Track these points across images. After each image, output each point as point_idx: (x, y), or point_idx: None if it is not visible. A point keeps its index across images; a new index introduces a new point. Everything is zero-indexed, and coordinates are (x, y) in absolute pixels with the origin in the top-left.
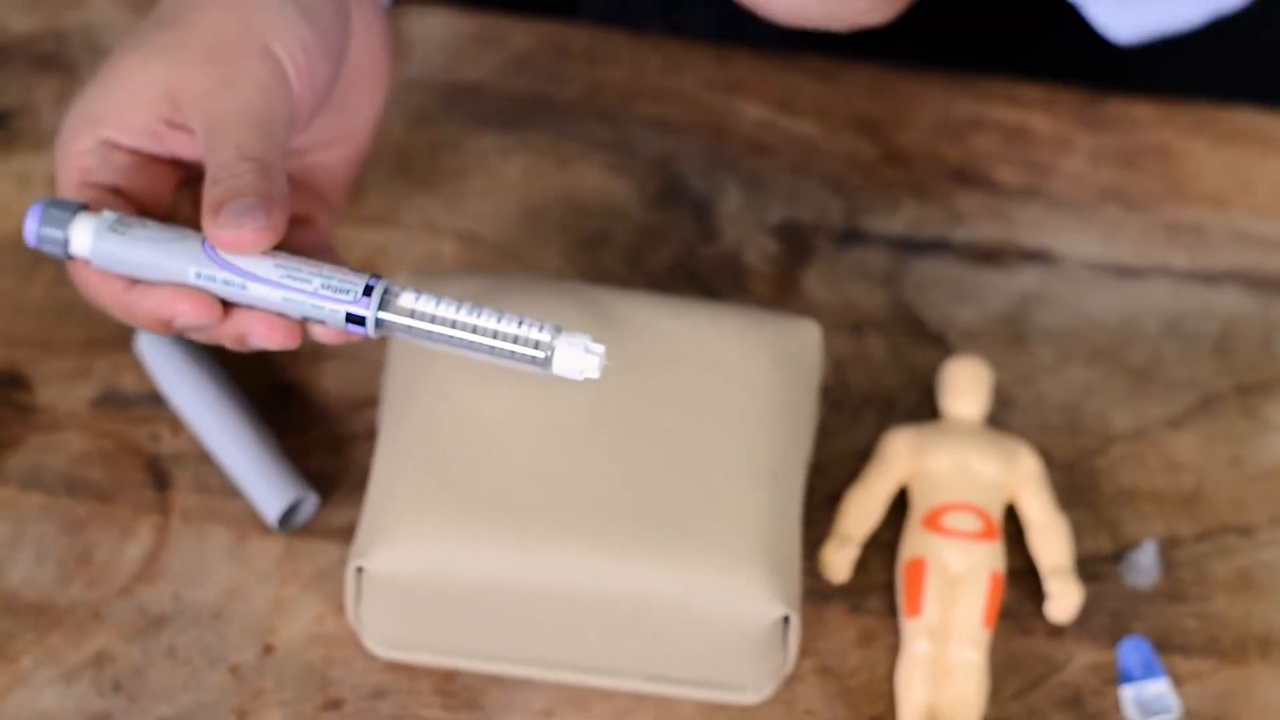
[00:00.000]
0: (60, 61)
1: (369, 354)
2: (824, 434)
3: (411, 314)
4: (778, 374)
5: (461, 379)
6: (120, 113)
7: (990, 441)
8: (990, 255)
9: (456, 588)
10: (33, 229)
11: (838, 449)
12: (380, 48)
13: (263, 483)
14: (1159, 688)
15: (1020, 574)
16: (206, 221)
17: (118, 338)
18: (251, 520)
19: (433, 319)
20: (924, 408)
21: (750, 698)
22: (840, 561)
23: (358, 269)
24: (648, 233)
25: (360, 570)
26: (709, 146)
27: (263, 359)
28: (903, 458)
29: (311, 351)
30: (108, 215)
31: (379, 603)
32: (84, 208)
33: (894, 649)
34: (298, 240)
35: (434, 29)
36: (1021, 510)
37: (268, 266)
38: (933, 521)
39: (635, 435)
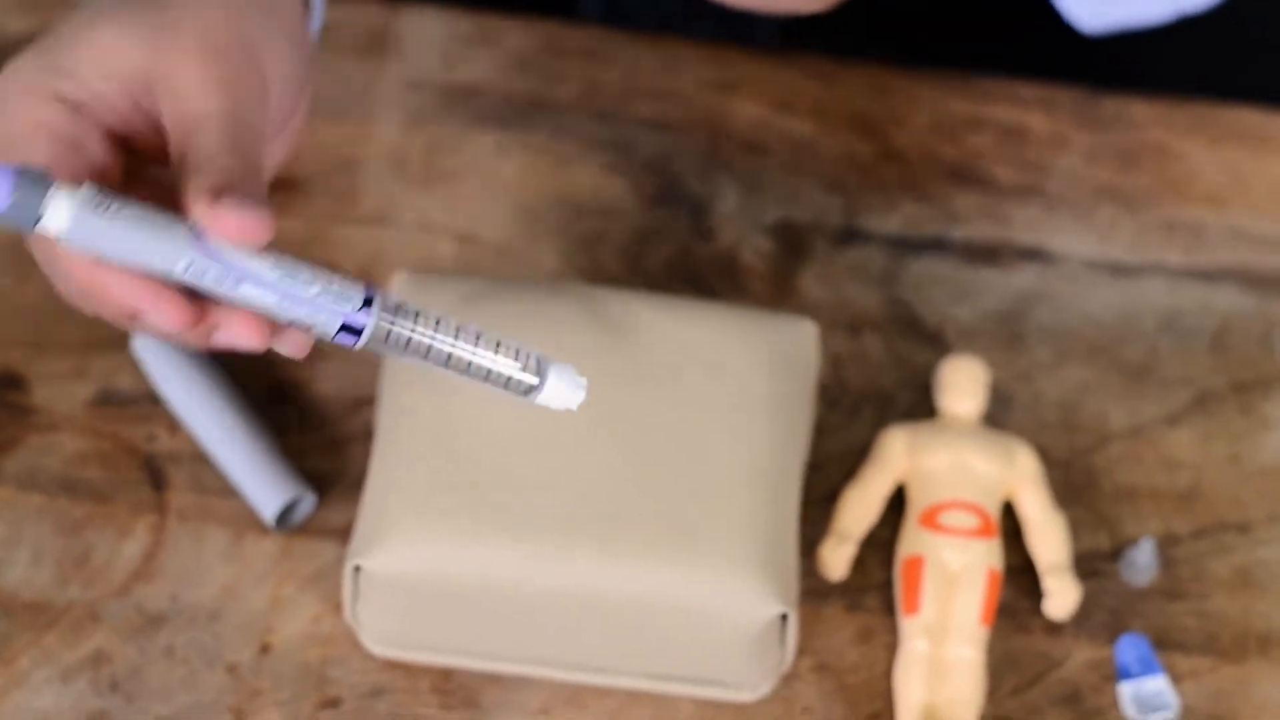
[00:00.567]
0: None
1: (366, 354)
2: (821, 432)
3: (408, 342)
4: (775, 373)
5: (458, 378)
6: (88, 76)
7: (987, 440)
8: (987, 254)
9: (454, 586)
10: (1, 198)
11: (835, 447)
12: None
13: (260, 482)
14: (1157, 685)
15: (1018, 572)
16: (200, 207)
17: (114, 338)
18: (248, 520)
19: (428, 351)
20: (921, 406)
21: (748, 696)
22: (838, 559)
23: (351, 270)
24: (645, 232)
25: (358, 569)
26: (706, 146)
27: (260, 359)
28: (900, 456)
29: (310, 350)
30: (87, 190)
31: (376, 602)
32: (48, 178)
33: (892, 647)
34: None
35: (431, 29)
36: (1019, 508)
37: (266, 265)
38: (930, 519)
39: (632, 434)
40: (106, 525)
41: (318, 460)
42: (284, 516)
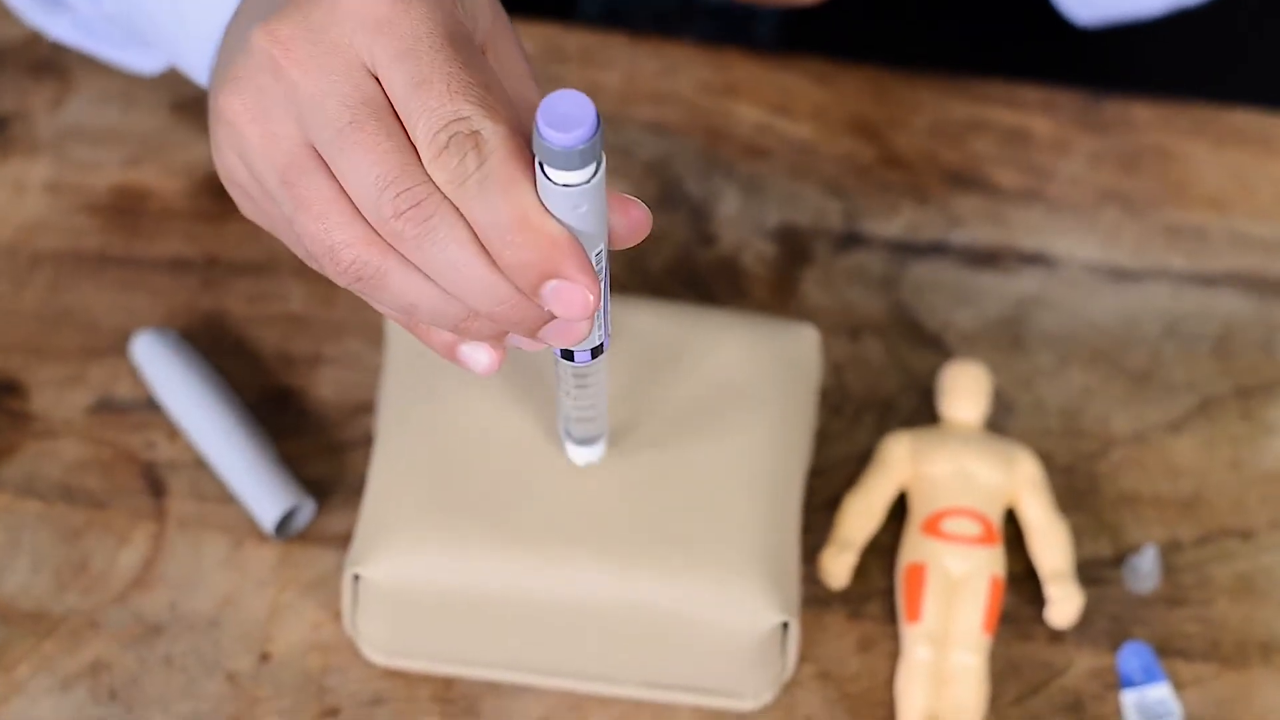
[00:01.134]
0: (54, 67)
1: (365, 360)
2: (823, 438)
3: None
4: (776, 379)
5: (458, 386)
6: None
7: (989, 446)
8: (989, 258)
9: (453, 595)
10: (582, 136)
11: (836, 453)
12: None
13: (259, 489)
14: (1160, 693)
15: (1020, 579)
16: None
17: (113, 345)
18: (248, 527)
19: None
20: (923, 412)
21: (749, 704)
22: (839, 567)
23: None
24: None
25: (357, 578)
26: (706, 150)
27: (257, 365)
28: (902, 462)
29: (308, 357)
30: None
31: (376, 610)
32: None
33: (894, 654)
34: None
35: None
36: (1021, 514)
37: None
38: (932, 526)
39: (633, 441)
40: (105, 533)
41: (317, 467)
42: (283, 524)
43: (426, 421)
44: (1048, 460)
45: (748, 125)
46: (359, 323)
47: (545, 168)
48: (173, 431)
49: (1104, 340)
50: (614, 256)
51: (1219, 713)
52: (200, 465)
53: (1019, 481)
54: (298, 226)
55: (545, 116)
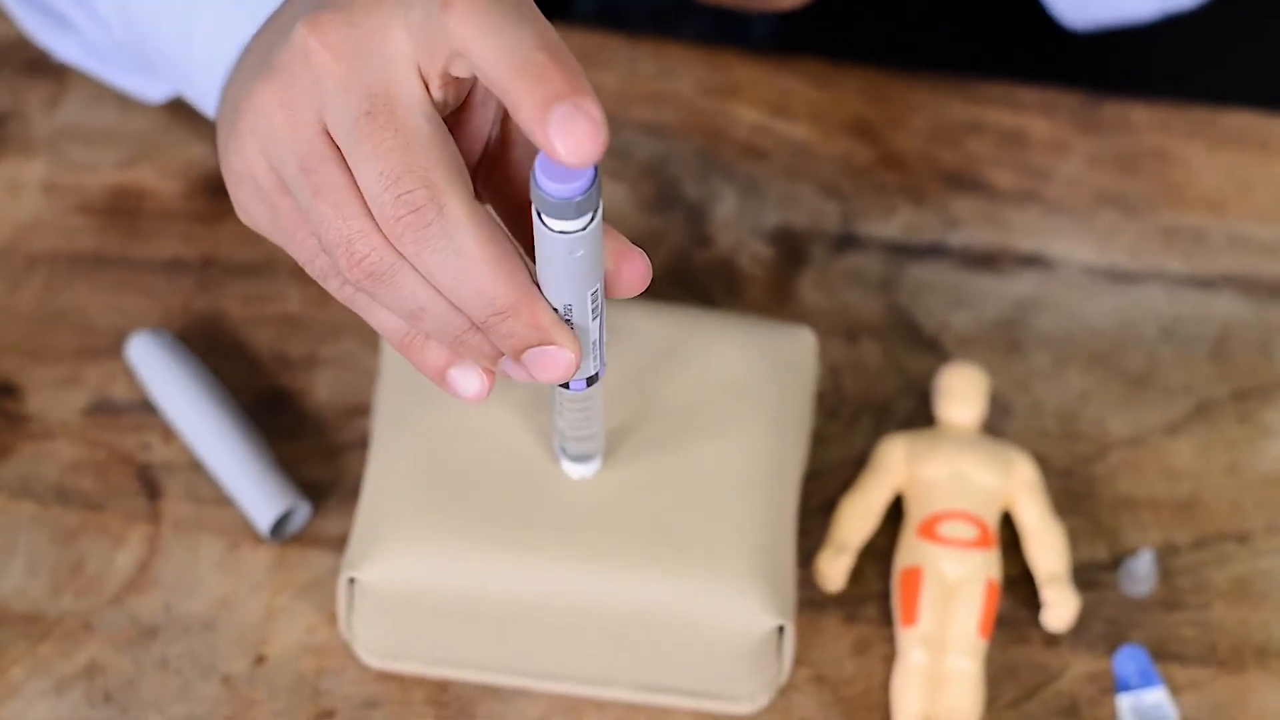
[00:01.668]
0: (50, 66)
1: (361, 362)
2: (819, 441)
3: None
4: (772, 382)
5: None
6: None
7: (986, 449)
8: (986, 260)
9: (449, 598)
10: (579, 189)
11: (833, 456)
12: None
13: (255, 492)
14: (1156, 697)
15: (1016, 582)
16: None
17: (109, 346)
18: (243, 529)
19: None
20: (920, 414)
21: (745, 707)
22: (835, 570)
23: None
24: (641, 238)
25: (353, 580)
26: (703, 151)
27: (253, 367)
28: (898, 465)
29: (304, 359)
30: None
31: (371, 613)
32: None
33: (889, 658)
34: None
35: None
36: (1018, 518)
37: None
38: (928, 530)
39: (628, 444)
40: (100, 535)
41: (313, 469)
42: (279, 526)
43: (423, 424)
44: (1045, 463)
45: (745, 126)
46: (355, 324)
47: (542, 216)
48: (168, 433)
49: (1101, 342)
50: None
51: (1215, 716)
52: (196, 467)
53: (1015, 484)
54: (314, 216)
55: (543, 167)
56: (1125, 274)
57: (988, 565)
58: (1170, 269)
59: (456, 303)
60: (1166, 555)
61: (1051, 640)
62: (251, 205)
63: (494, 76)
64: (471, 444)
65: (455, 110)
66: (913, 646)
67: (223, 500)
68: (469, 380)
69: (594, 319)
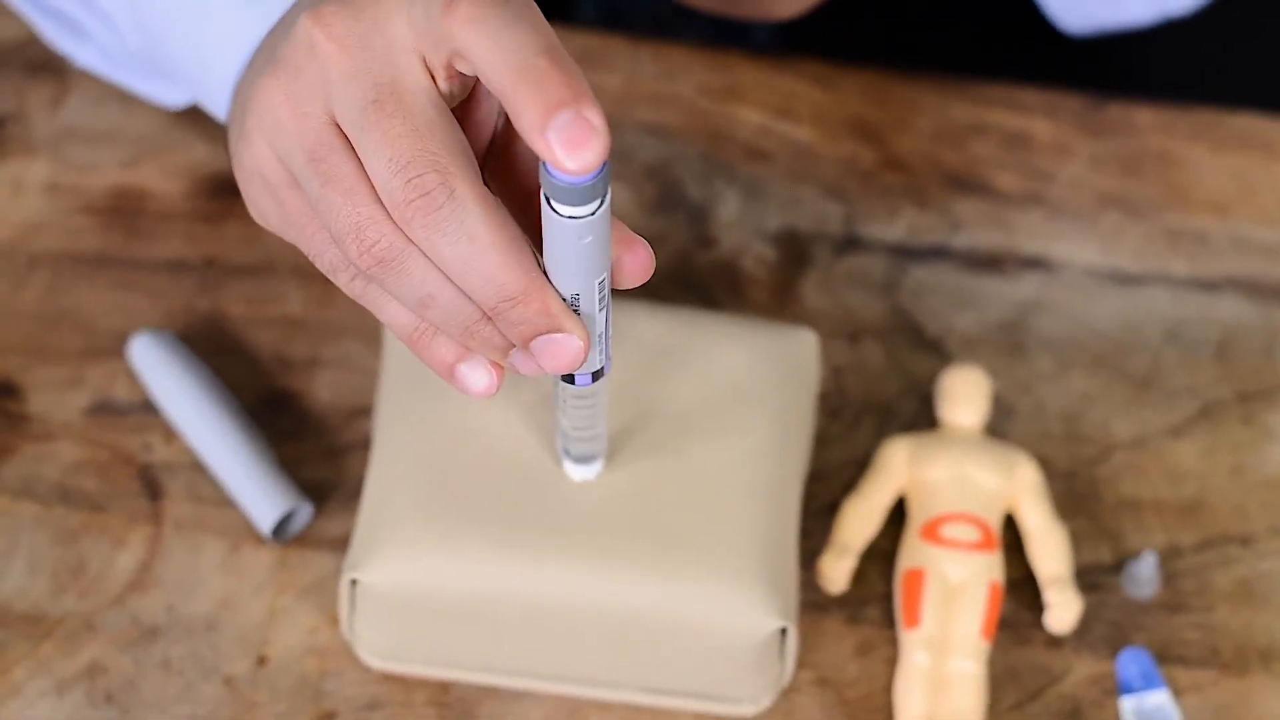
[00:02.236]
0: (52, 67)
1: (363, 363)
2: (822, 443)
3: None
4: (775, 384)
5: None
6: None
7: (989, 451)
8: (990, 262)
9: (451, 599)
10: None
11: (836, 458)
12: None
13: (256, 492)
14: (1159, 699)
15: (1019, 584)
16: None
17: (111, 347)
18: (245, 530)
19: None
20: (922, 416)
21: (748, 709)
22: (838, 572)
23: None
24: (645, 239)
25: (355, 582)
26: (706, 153)
27: (255, 368)
28: (901, 467)
29: (306, 360)
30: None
31: (373, 614)
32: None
33: (892, 660)
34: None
35: None
36: (1020, 520)
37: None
38: (931, 532)
39: (630, 446)
40: (102, 535)
41: (315, 470)
42: (281, 527)
43: (424, 425)
44: (1048, 465)
45: (748, 128)
46: (357, 325)
47: (551, 201)
48: (170, 434)
49: (1105, 345)
50: None
51: (1218, 719)
52: (198, 468)
53: (1018, 487)
54: (324, 206)
55: None
56: (1129, 276)
57: (990, 567)
58: (1174, 271)
59: (466, 289)
60: (1169, 558)
61: (1054, 642)
62: (262, 202)
63: (495, 81)
64: (474, 446)
65: (461, 101)
66: (915, 649)
67: (224, 501)
68: (478, 375)
69: (600, 310)
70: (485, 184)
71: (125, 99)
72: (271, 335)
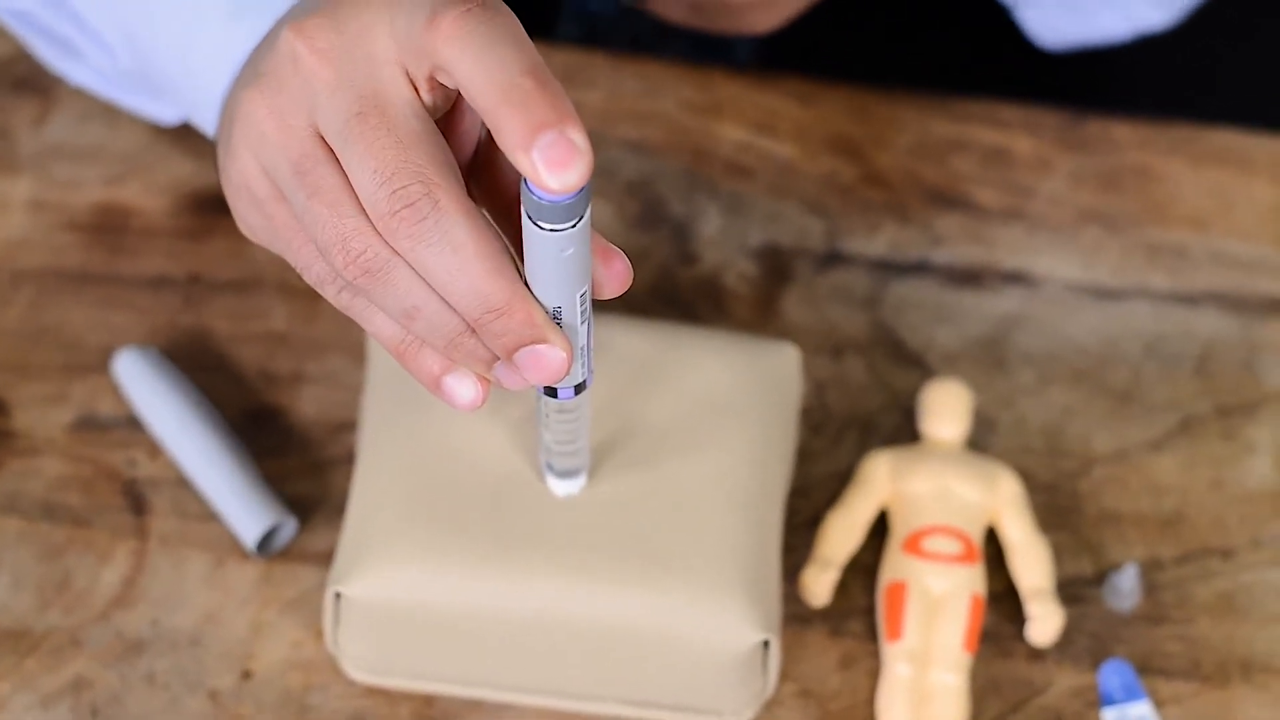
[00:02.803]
0: (36, 84)
1: (347, 378)
2: (804, 457)
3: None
4: (757, 398)
5: (441, 403)
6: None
7: (970, 464)
8: (970, 277)
9: (435, 613)
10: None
11: (818, 472)
12: None
13: (241, 507)
14: (1140, 711)
15: (1001, 597)
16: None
17: (95, 363)
18: (230, 545)
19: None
20: (904, 430)
21: None
22: (821, 585)
23: None
24: (627, 255)
25: (339, 596)
26: (688, 169)
27: (239, 383)
28: (883, 481)
29: (290, 375)
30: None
31: (357, 628)
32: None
33: (875, 672)
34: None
35: None
36: (1002, 533)
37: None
38: (913, 545)
39: (613, 460)
40: (87, 550)
41: (299, 485)
42: (265, 542)
43: (409, 440)
44: (1029, 479)
45: (729, 144)
46: (341, 340)
47: (533, 217)
48: (154, 449)
49: (1085, 359)
50: None
51: None
52: (182, 483)
53: (1000, 500)
54: (309, 217)
55: None
56: (1109, 291)
57: (972, 580)
58: (1153, 286)
59: (450, 299)
60: (1151, 570)
61: (1036, 655)
62: (249, 215)
63: (479, 99)
64: (458, 460)
65: (445, 113)
66: (898, 661)
67: (209, 516)
68: (464, 388)
69: (582, 323)
70: (469, 195)
71: (109, 116)
72: (256, 351)
